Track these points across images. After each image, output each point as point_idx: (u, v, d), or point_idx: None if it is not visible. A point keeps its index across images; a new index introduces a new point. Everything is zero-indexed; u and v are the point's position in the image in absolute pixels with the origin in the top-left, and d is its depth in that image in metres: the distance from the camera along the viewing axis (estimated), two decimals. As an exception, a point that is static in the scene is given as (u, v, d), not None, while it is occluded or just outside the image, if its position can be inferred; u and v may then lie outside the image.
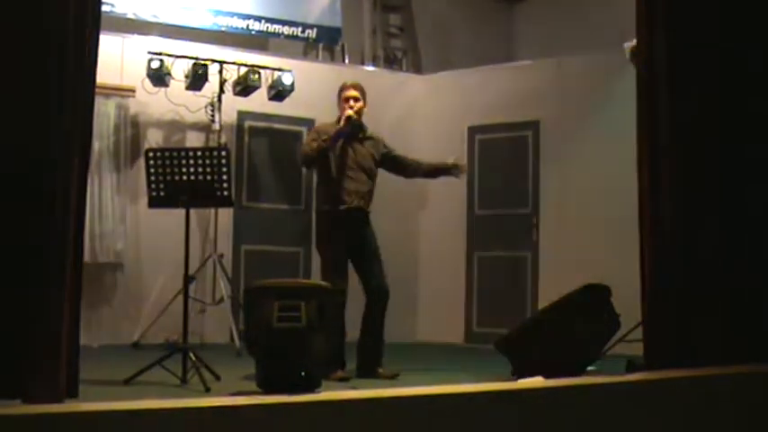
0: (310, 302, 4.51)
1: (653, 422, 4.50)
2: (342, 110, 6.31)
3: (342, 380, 5.75)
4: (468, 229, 9.35)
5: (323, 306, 4.61)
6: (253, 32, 9.17)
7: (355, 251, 6.21)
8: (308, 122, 8.94)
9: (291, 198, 8.93)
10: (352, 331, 6.19)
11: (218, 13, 8.91)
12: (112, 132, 7.97)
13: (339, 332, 6.00)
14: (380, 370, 6.15)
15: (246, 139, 8.77)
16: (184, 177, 5.59)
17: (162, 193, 5.64)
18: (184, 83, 8.12)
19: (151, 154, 5.65)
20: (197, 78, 8.01)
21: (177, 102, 8.19)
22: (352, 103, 6.28)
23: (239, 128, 8.71)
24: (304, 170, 6.24)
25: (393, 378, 6.05)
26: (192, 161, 5.59)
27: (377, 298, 6.22)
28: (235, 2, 9.00)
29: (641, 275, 5.30)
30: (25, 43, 3.87)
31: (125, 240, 7.97)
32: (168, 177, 5.59)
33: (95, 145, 7.58)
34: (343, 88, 6.41)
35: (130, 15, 8.44)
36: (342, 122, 6.20)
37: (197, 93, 8.18)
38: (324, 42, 9.76)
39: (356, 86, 6.37)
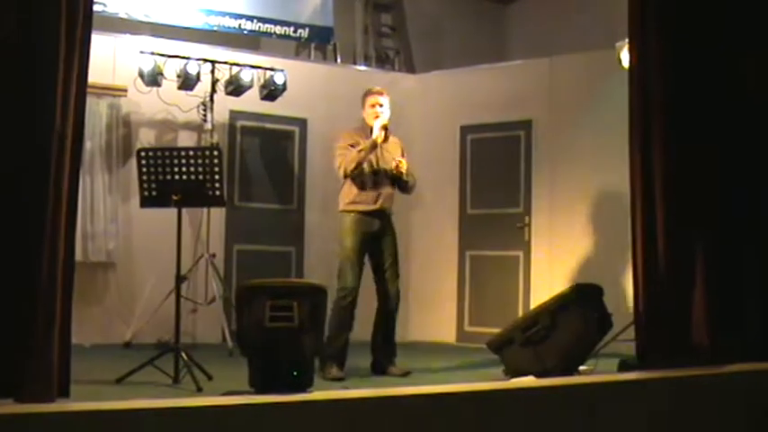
0: (303, 302, 4.52)
1: (645, 421, 4.51)
2: (368, 116, 6.45)
3: (335, 379, 5.77)
4: (460, 228, 9.35)
5: (315, 306, 4.61)
6: (245, 32, 9.15)
7: (376, 252, 6.35)
8: (300, 122, 8.94)
9: (283, 198, 8.92)
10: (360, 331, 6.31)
11: (210, 12, 8.89)
12: (104, 132, 7.95)
13: (345, 331, 6.11)
14: (392, 368, 6.26)
15: (239, 138, 8.75)
16: (176, 177, 5.59)
17: (154, 193, 5.63)
18: (176, 82, 8.11)
19: (143, 153, 5.64)
20: (189, 78, 8.00)
21: (169, 101, 8.17)
22: (378, 110, 6.40)
23: (231, 127, 8.70)
24: (343, 178, 6.38)
25: (404, 376, 6.14)
26: (183, 161, 5.58)
27: (392, 299, 6.36)
28: (227, 1, 8.98)
29: (633, 274, 5.31)
30: (16, 43, 3.86)
31: (117, 240, 7.95)
32: (160, 177, 5.59)
33: (87, 145, 7.57)
34: (368, 93, 6.52)
35: (122, 15, 8.42)
36: (375, 134, 6.31)
37: (189, 92, 8.16)
38: (316, 42, 9.75)
39: (382, 93, 6.51)
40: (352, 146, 6.32)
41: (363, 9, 10.75)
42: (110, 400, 3.86)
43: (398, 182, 6.49)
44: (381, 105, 6.43)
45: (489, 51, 10.86)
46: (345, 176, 6.31)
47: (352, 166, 6.24)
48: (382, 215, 6.37)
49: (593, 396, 4.50)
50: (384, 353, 6.33)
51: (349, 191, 6.34)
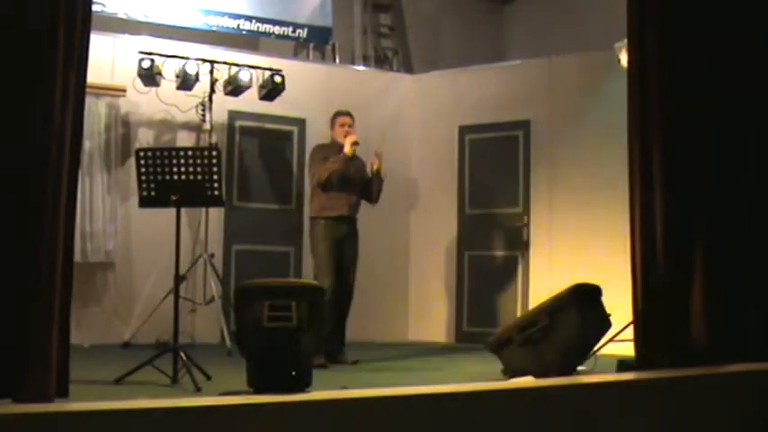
0: (301, 302, 4.51)
1: (643, 422, 4.51)
2: (338, 134, 7.20)
3: (319, 366, 5.97)
4: (459, 228, 9.36)
5: (313, 305, 4.61)
6: (243, 32, 9.16)
7: (341, 253, 7.02)
8: (299, 122, 8.95)
9: (282, 198, 8.93)
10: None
11: (209, 12, 8.89)
12: (103, 132, 7.96)
13: (326, 324, 6.46)
14: (340, 357, 6.92)
15: (237, 138, 8.76)
16: (175, 177, 5.58)
17: (152, 193, 5.63)
18: (175, 82, 8.11)
19: (142, 153, 5.64)
20: (188, 78, 8.00)
21: (168, 101, 8.18)
22: (348, 129, 7.17)
23: (230, 127, 8.70)
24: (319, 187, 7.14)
25: (354, 364, 6.85)
26: (182, 161, 5.58)
27: (347, 297, 7.03)
28: (225, 1, 8.98)
29: (632, 275, 5.31)
30: (15, 43, 3.86)
31: (116, 240, 7.96)
32: (159, 177, 5.58)
33: (86, 145, 7.57)
34: (338, 114, 7.31)
35: (121, 15, 8.43)
36: (347, 149, 7.04)
37: (188, 92, 8.17)
38: (314, 42, 9.76)
39: (351, 115, 7.30)
40: (325, 158, 7.06)
41: (362, 9, 10.76)
42: (108, 400, 3.85)
43: (366, 190, 7.26)
44: (351, 126, 7.21)
45: (488, 51, 10.87)
46: (318, 185, 7.06)
47: (326, 175, 6.98)
48: (349, 220, 7.10)
49: (592, 396, 4.50)
50: (335, 341, 6.90)
51: (320, 198, 7.09)
